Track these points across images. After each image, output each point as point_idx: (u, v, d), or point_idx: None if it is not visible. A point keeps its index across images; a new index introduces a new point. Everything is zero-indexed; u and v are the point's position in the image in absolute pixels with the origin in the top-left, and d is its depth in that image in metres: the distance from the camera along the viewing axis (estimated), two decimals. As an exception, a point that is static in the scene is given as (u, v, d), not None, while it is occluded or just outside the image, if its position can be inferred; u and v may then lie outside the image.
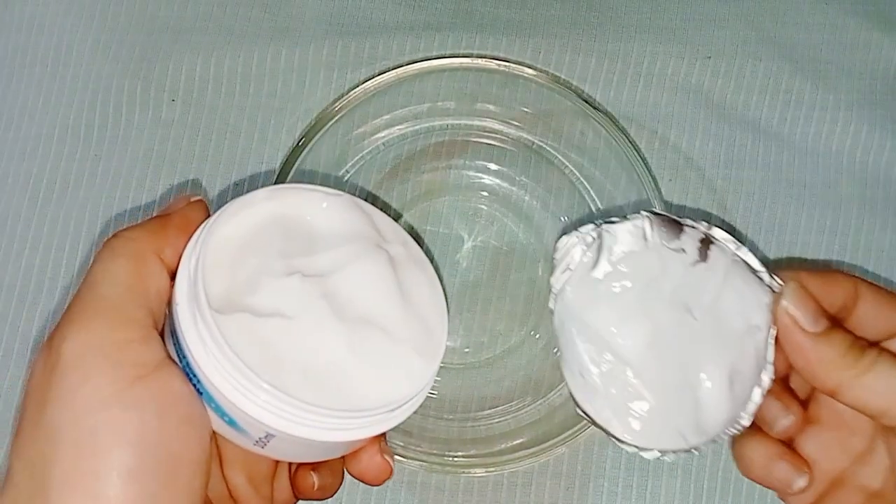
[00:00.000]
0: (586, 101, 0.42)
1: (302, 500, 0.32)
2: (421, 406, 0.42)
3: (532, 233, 0.45)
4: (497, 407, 0.43)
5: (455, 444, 0.41)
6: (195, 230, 0.28)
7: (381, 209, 0.31)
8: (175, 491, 0.24)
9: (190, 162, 0.46)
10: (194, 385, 0.26)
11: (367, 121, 0.44)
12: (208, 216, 0.28)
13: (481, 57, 0.41)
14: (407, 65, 0.40)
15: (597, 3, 0.48)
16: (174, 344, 0.26)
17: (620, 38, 0.47)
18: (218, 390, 0.25)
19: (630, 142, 0.41)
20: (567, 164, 0.45)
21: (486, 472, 0.39)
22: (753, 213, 0.45)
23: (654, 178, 0.41)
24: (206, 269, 0.26)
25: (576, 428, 0.39)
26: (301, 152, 0.41)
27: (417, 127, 0.45)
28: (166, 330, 0.27)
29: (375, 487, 0.42)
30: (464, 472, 0.40)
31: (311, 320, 0.27)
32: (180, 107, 0.47)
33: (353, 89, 0.42)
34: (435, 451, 0.39)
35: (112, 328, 0.25)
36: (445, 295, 0.30)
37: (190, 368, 0.26)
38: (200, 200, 0.29)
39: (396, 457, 0.38)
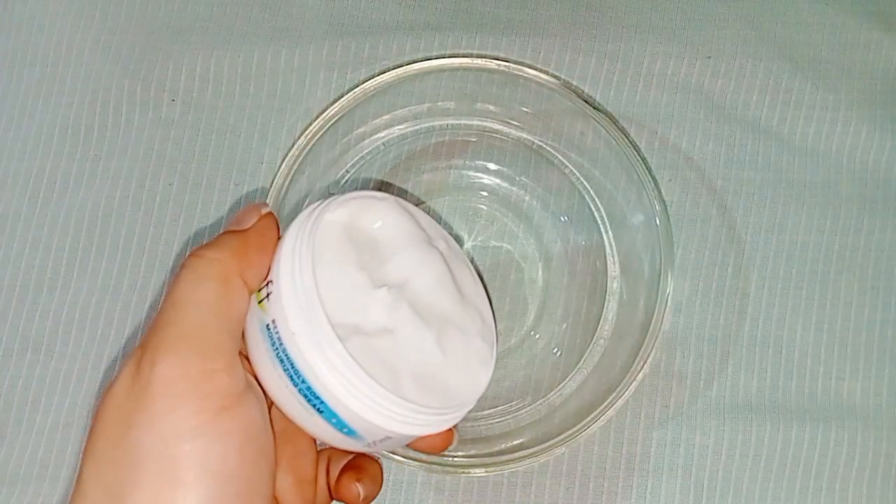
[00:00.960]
0: (586, 101, 0.42)
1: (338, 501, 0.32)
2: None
3: (532, 233, 0.45)
4: (497, 407, 0.43)
5: (455, 445, 0.41)
6: (272, 246, 0.28)
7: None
8: None
9: (190, 162, 0.46)
10: (311, 403, 0.27)
11: (367, 121, 0.44)
12: (279, 228, 0.29)
13: (481, 57, 0.41)
14: (407, 65, 0.40)
15: (597, 3, 0.48)
16: (284, 366, 0.27)
17: (620, 38, 0.47)
18: (347, 408, 0.26)
19: (630, 142, 0.41)
20: (567, 164, 0.45)
21: (486, 472, 0.39)
22: (753, 213, 0.45)
23: (654, 178, 0.41)
24: (321, 295, 0.26)
25: (576, 428, 0.39)
26: (301, 152, 0.41)
27: (417, 127, 0.45)
28: (259, 344, 0.27)
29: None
30: (464, 472, 0.40)
31: (408, 329, 0.28)
32: (180, 107, 0.47)
33: (353, 89, 0.42)
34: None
35: (201, 357, 0.25)
36: (483, 281, 0.32)
37: (311, 391, 0.26)
38: (271, 213, 0.29)
39: (396, 457, 0.38)
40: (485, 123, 0.45)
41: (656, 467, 0.42)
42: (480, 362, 0.30)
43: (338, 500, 0.31)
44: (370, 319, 0.28)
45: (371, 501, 0.31)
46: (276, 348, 0.27)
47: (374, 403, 0.27)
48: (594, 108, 0.42)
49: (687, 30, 0.48)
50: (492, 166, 0.45)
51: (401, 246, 0.30)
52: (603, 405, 0.39)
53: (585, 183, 0.44)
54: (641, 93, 0.47)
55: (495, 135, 0.45)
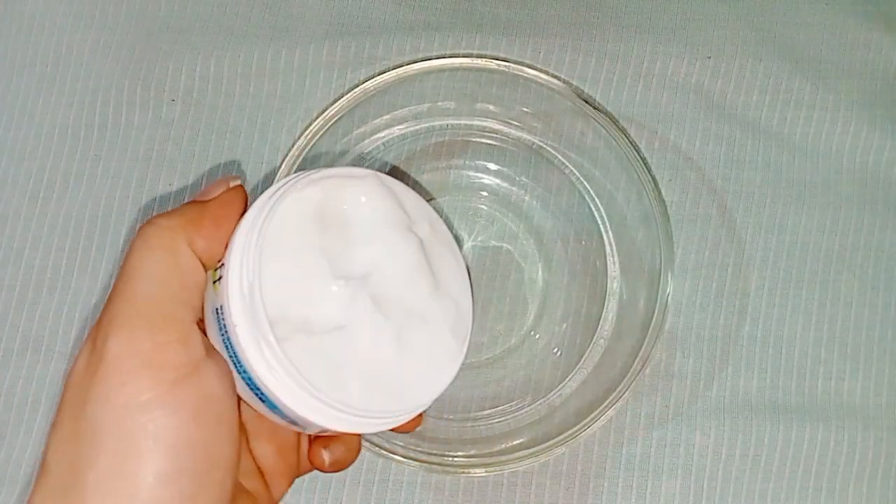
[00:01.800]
0: (586, 101, 0.42)
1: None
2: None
3: (532, 233, 0.45)
4: (497, 407, 0.43)
5: (455, 445, 0.41)
6: (233, 220, 0.27)
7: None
8: (210, 491, 0.25)
9: (190, 162, 0.46)
10: (253, 392, 0.26)
11: (367, 121, 0.44)
12: (246, 203, 0.28)
13: (481, 57, 0.41)
14: (407, 65, 0.40)
15: (597, 3, 0.48)
16: (229, 353, 0.26)
17: (620, 38, 0.47)
18: (285, 405, 0.26)
19: (630, 142, 0.41)
20: (567, 164, 0.45)
21: (486, 472, 0.39)
22: (753, 213, 0.45)
23: (654, 178, 0.41)
24: (264, 289, 0.26)
25: (576, 428, 0.39)
26: (301, 152, 0.41)
27: (417, 127, 0.45)
28: (211, 325, 0.27)
29: (375, 487, 0.42)
30: (464, 473, 0.40)
31: (363, 326, 0.27)
32: (180, 107, 0.47)
33: (353, 89, 0.42)
34: (435, 452, 0.39)
35: (152, 330, 0.24)
36: (467, 267, 0.31)
37: (252, 382, 0.26)
38: (240, 187, 0.28)
39: (396, 457, 0.38)
40: (485, 123, 0.45)
41: (656, 467, 0.42)
42: (446, 358, 0.29)
43: (310, 465, 0.31)
44: (323, 314, 0.26)
45: (343, 468, 0.31)
46: (223, 334, 0.26)
47: (312, 404, 0.26)
48: (594, 108, 0.42)
49: (687, 30, 0.48)
50: (492, 166, 0.45)
51: (374, 231, 0.28)
52: (603, 405, 0.39)
53: (585, 183, 0.44)
54: (641, 93, 0.47)
55: (495, 135, 0.45)
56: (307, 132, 0.41)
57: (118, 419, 0.24)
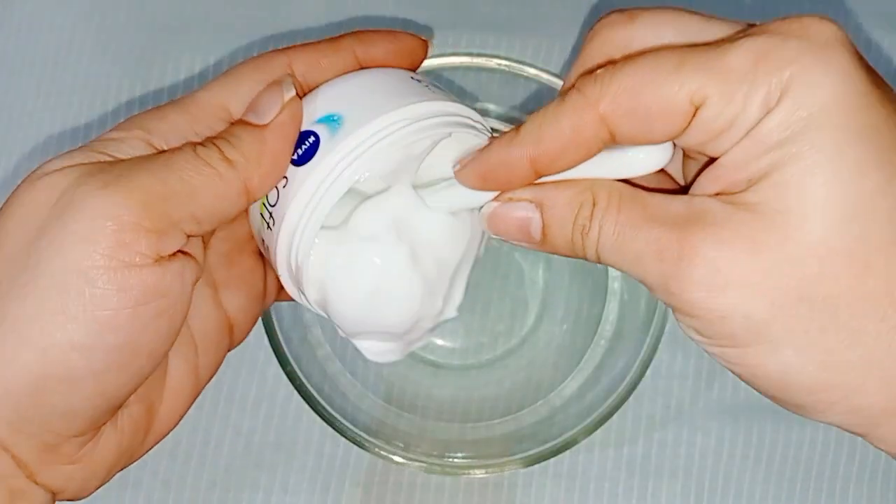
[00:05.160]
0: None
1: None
2: (421, 407, 0.42)
3: (532, 233, 0.45)
4: (497, 408, 0.43)
5: (455, 445, 0.41)
6: (291, 149, 0.25)
7: None
8: (122, 375, 0.24)
9: (190, 162, 0.46)
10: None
11: (367, 120, 0.44)
12: (300, 118, 0.26)
13: (481, 56, 0.41)
14: (407, 64, 0.40)
15: (597, 3, 0.48)
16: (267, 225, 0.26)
17: (621, 39, 0.47)
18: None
19: (630, 141, 0.41)
20: (567, 163, 0.45)
21: (486, 473, 0.39)
22: (754, 213, 0.45)
23: (654, 178, 0.41)
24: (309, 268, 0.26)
25: (576, 429, 0.38)
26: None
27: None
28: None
29: (376, 488, 0.42)
30: (464, 473, 0.40)
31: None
32: (180, 107, 0.47)
33: (352, 89, 0.41)
34: (435, 452, 0.39)
35: (143, 213, 0.23)
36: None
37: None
38: (296, 99, 0.26)
39: (396, 458, 0.38)
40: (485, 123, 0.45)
41: (657, 468, 0.42)
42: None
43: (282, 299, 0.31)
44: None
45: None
46: (267, 216, 0.26)
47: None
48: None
49: (687, 30, 0.48)
50: (492, 166, 0.45)
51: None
52: (604, 406, 0.38)
53: (586, 183, 0.44)
54: (642, 93, 0.47)
55: (495, 134, 0.45)
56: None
57: (62, 270, 0.23)
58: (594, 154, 0.23)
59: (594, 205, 0.24)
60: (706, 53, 0.22)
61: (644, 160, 0.24)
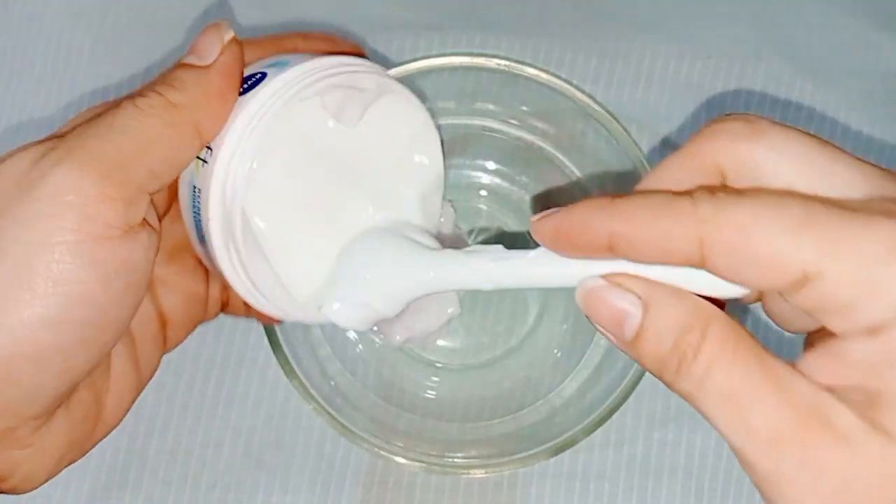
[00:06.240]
0: (587, 101, 0.42)
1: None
2: (421, 407, 0.43)
3: (532, 233, 0.45)
4: (497, 408, 0.43)
5: (455, 445, 0.40)
6: (235, 91, 0.25)
7: None
8: (89, 349, 0.24)
9: (189, 162, 0.46)
10: (209, 260, 0.27)
11: (366, 120, 0.44)
12: (243, 63, 0.26)
13: (481, 56, 0.41)
14: (406, 64, 0.40)
15: (597, 3, 0.48)
16: (197, 225, 0.26)
17: (620, 38, 0.47)
18: (231, 284, 0.27)
19: (631, 141, 0.41)
20: (567, 163, 0.45)
21: (486, 473, 0.39)
22: (754, 213, 0.45)
23: (654, 178, 0.41)
24: (247, 204, 0.25)
25: (576, 429, 0.38)
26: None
27: (417, 126, 0.45)
28: (184, 194, 0.27)
29: (375, 488, 0.42)
30: (464, 473, 0.40)
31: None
32: (180, 107, 0.47)
33: (352, 89, 0.41)
34: (435, 452, 0.39)
35: (105, 182, 0.23)
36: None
37: (209, 257, 0.27)
38: (235, 40, 0.26)
39: (396, 458, 0.38)
40: (484, 123, 0.45)
41: (657, 468, 0.42)
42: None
43: (214, 314, 0.31)
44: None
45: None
46: (195, 210, 0.26)
47: (254, 295, 0.27)
48: (595, 107, 0.42)
49: (687, 29, 0.48)
50: (491, 165, 0.45)
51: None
52: (603, 406, 0.38)
53: (586, 183, 0.44)
54: (642, 93, 0.47)
55: (495, 134, 0.45)
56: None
57: (27, 246, 0.23)
58: (671, 263, 0.22)
59: (703, 336, 0.21)
60: (834, 219, 0.20)
61: (731, 288, 0.22)
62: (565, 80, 0.44)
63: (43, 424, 0.25)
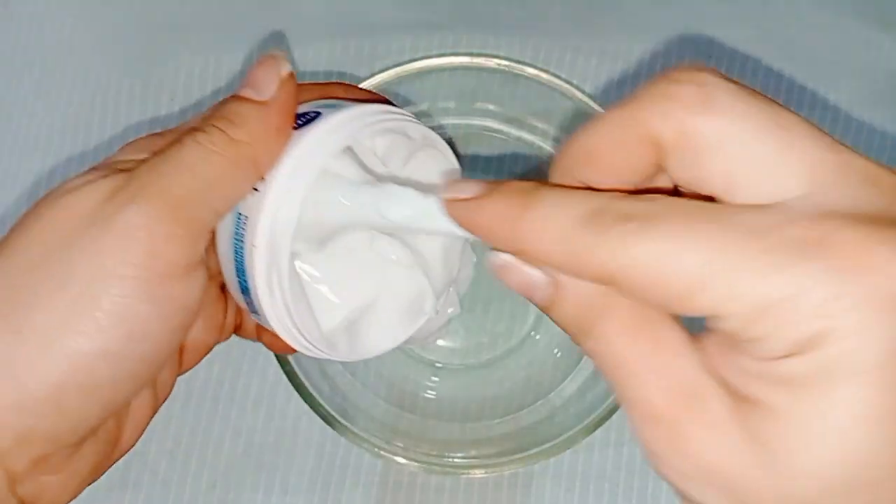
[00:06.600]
0: (586, 101, 0.42)
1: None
2: (421, 407, 0.43)
3: (532, 233, 0.45)
4: (497, 408, 0.43)
5: (455, 446, 0.41)
6: (290, 125, 0.25)
7: None
8: (136, 381, 0.24)
9: (189, 162, 0.46)
10: (242, 293, 0.27)
11: (367, 121, 0.44)
12: (296, 98, 0.26)
13: (481, 56, 0.41)
14: (407, 64, 0.40)
15: (597, 3, 0.48)
16: (236, 256, 0.26)
17: (620, 38, 0.47)
18: (269, 324, 0.27)
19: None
20: (567, 163, 0.45)
21: (486, 473, 0.39)
22: (754, 213, 0.45)
23: (654, 178, 0.41)
24: (293, 238, 0.25)
25: (576, 429, 0.38)
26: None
27: (417, 126, 0.45)
28: (227, 219, 0.26)
29: (375, 488, 0.42)
30: (464, 474, 0.40)
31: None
32: (180, 107, 0.47)
33: (353, 89, 0.41)
34: (435, 453, 0.39)
35: (173, 220, 0.23)
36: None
37: (246, 290, 0.26)
38: (292, 76, 0.26)
39: (396, 458, 0.38)
40: (485, 123, 0.45)
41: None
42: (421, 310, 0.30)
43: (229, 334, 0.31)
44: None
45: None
46: (237, 238, 0.26)
47: (291, 333, 0.27)
48: (594, 107, 0.42)
49: (687, 29, 0.48)
50: (491, 165, 0.45)
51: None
52: (603, 406, 0.38)
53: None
54: (642, 93, 0.47)
55: (495, 134, 0.45)
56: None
57: (94, 280, 0.23)
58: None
59: (605, 306, 0.21)
60: (737, 261, 0.18)
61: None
62: (565, 80, 0.44)
63: (76, 451, 0.25)
